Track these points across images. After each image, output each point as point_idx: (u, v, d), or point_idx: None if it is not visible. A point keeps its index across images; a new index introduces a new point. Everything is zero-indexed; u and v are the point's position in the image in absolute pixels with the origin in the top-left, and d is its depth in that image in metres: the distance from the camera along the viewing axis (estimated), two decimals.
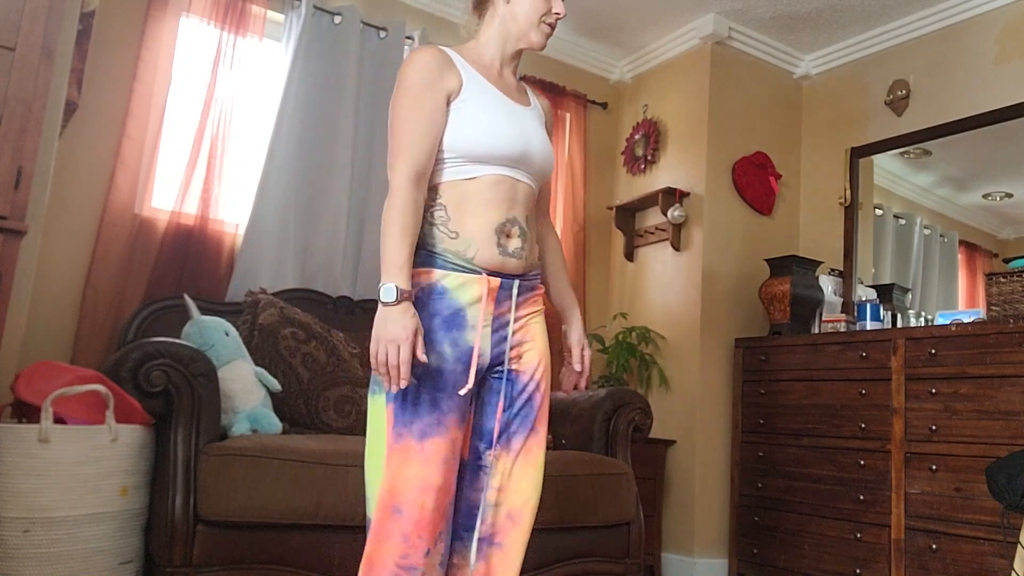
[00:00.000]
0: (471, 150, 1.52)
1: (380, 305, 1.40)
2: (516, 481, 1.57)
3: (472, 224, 1.52)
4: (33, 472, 1.92)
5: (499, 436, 1.56)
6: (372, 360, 1.40)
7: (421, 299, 1.48)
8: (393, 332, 1.38)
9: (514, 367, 1.58)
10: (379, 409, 1.49)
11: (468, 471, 1.56)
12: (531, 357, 1.61)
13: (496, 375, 1.57)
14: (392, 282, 1.40)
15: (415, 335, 1.39)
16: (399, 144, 1.50)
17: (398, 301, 1.39)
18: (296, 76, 3.18)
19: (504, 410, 1.57)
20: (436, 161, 1.53)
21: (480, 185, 1.53)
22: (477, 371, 1.51)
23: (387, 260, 1.42)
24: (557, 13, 1.63)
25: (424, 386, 1.46)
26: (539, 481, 1.60)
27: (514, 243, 1.55)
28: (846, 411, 3.12)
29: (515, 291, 1.56)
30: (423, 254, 1.51)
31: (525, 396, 1.59)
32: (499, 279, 1.53)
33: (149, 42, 2.96)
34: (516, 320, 1.57)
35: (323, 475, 2.16)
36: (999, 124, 3.30)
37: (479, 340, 1.51)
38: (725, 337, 3.69)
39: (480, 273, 1.51)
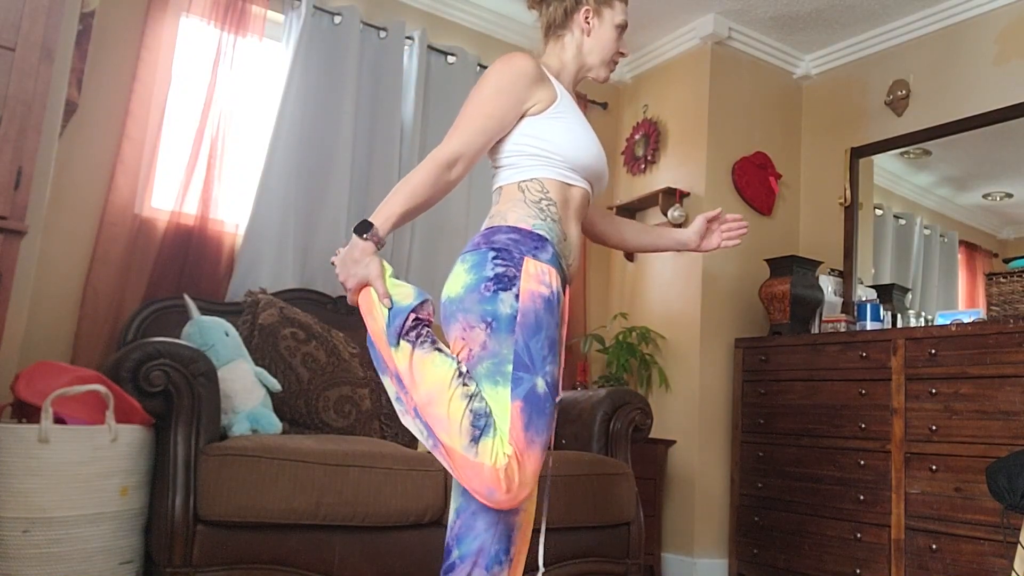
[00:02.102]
0: (574, 157, 1.66)
1: (354, 236, 1.51)
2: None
3: (572, 232, 1.68)
4: (33, 472, 1.92)
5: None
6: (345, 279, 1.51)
7: (551, 301, 1.56)
8: (360, 272, 1.50)
9: None
10: (498, 402, 1.48)
11: None
12: None
13: None
14: (375, 223, 1.50)
15: (378, 277, 1.50)
16: (460, 127, 1.61)
17: (367, 238, 1.49)
18: (296, 76, 3.18)
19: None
20: (540, 157, 1.65)
21: (575, 194, 1.68)
22: None
23: (383, 209, 1.53)
24: (623, 53, 1.84)
25: (550, 392, 1.52)
26: None
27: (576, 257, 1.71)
28: (846, 411, 3.12)
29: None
30: (550, 250, 1.59)
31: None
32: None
33: (149, 42, 2.95)
34: None
35: (323, 475, 2.16)
36: (999, 124, 3.30)
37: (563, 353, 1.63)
38: (725, 337, 3.69)
39: (568, 284, 1.66)
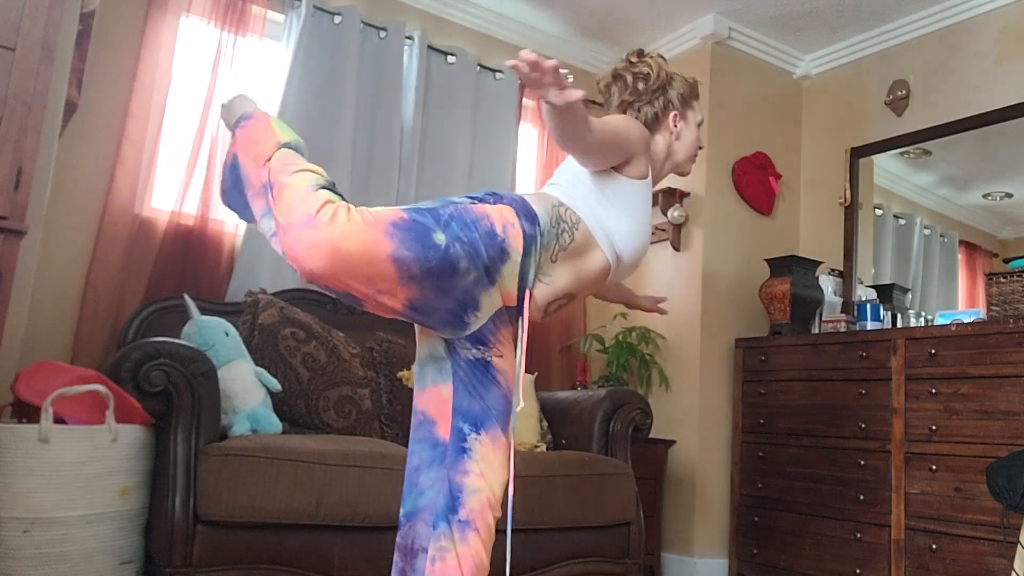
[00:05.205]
0: (621, 237, 1.66)
1: None
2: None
3: (563, 278, 1.62)
4: (33, 472, 1.92)
5: (487, 420, 1.59)
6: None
7: (494, 236, 1.50)
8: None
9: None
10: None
11: (450, 453, 1.57)
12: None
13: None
14: None
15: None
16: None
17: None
18: (296, 76, 3.18)
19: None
20: (594, 206, 1.64)
21: (596, 257, 1.65)
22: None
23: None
24: (701, 147, 1.91)
25: (448, 261, 1.52)
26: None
27: (554, 308, 1.65)
28: (846, 411, 3.12)
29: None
30: (535, 230, 1.55)
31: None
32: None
33: (149, 42, 2.95)
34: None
35: (323, 475, 2.16)
36: (999, 124, 3.30)
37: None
38: (725, 337, 3.69)
39: (527, 305, 1.58)
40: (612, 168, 1.66)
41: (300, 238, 1.38)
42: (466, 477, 1.54)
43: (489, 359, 1.56)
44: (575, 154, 1.61)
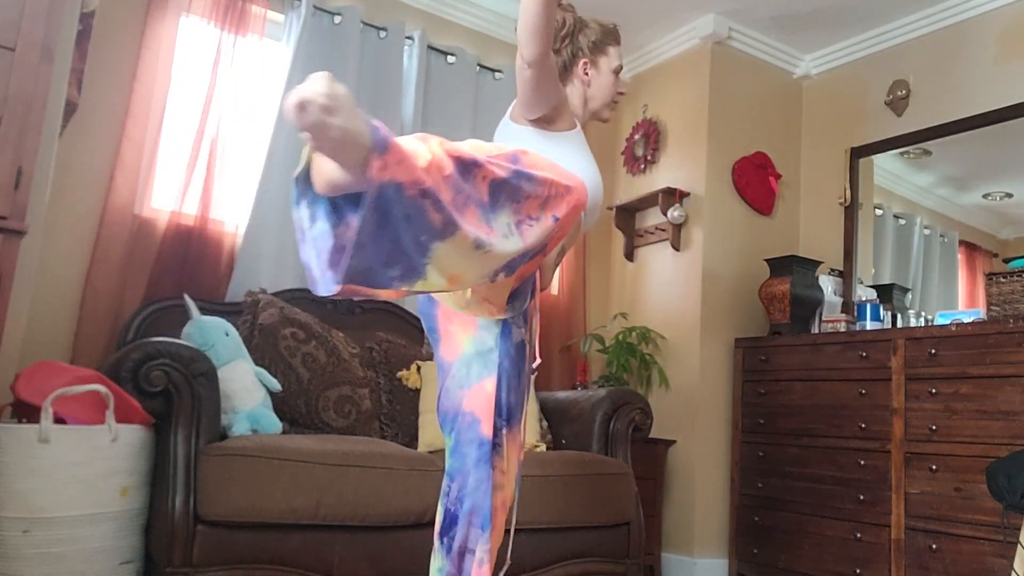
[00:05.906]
0: None
1: None
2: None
3: None
4: (33, 472, 1.92)
5: (512, 414, 1.61)
6: None
7: None
8: None
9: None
10: None
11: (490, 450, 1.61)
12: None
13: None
14: None
15: None
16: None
17: None
18: (296, 76, 3.18)
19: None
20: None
21: None
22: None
23: None
24: (622, 92, 1.91)
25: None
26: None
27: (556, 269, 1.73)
28: (846, 411, 3.12)
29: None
30: None
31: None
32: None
33: (149, 42, 2.95)
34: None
35: (323, 475, 2.16)
36: (999, 124, 3.29)
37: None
38: (725, 337, 3.69)
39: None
40: (544, 128, 1.71)
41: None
42: (493, 473, 1.58)
43: (525, 341, 1.62)
44: (536, 80, 1.59)
